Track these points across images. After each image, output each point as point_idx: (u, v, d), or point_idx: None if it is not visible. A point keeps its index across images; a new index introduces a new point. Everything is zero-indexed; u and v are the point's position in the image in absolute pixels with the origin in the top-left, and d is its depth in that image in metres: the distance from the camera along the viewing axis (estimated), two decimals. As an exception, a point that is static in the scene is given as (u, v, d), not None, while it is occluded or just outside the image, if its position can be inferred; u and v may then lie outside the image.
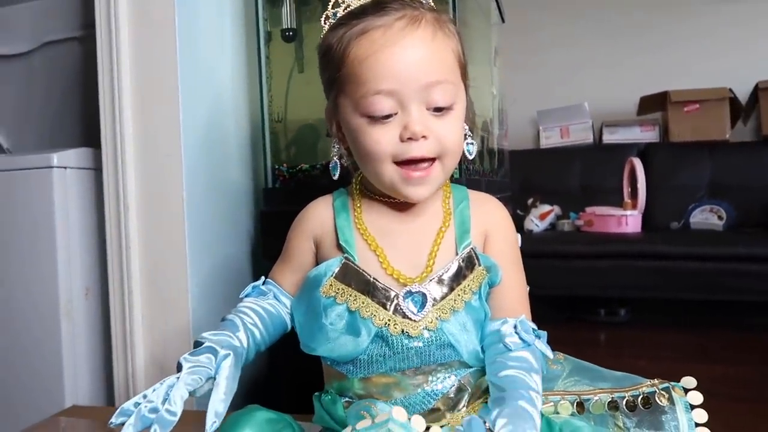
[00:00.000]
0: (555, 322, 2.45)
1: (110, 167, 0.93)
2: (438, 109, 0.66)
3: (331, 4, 0.71)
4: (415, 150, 0.65)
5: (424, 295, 0.67)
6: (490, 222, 0.74)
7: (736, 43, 2.94)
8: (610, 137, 3.05)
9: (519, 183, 2.93)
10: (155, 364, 0.94)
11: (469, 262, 0.70)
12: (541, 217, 2.80)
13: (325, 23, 0.71)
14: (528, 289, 0.76)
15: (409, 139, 0.65)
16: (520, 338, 0.66)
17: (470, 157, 0.72)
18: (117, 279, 0.93)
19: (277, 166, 1.04)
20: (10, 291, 1.04)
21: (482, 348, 0.69)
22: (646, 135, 3.00)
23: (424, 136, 0.65)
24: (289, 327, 0.75)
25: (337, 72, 0.67)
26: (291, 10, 1.01)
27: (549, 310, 2.56)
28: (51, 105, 1.36)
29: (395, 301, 0.67)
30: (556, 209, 2.86)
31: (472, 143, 0.72)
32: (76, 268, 1.04)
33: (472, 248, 0.71)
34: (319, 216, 0.75)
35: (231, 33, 1.05)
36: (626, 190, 2.72)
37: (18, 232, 1.03)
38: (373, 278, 0.68)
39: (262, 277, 0.78)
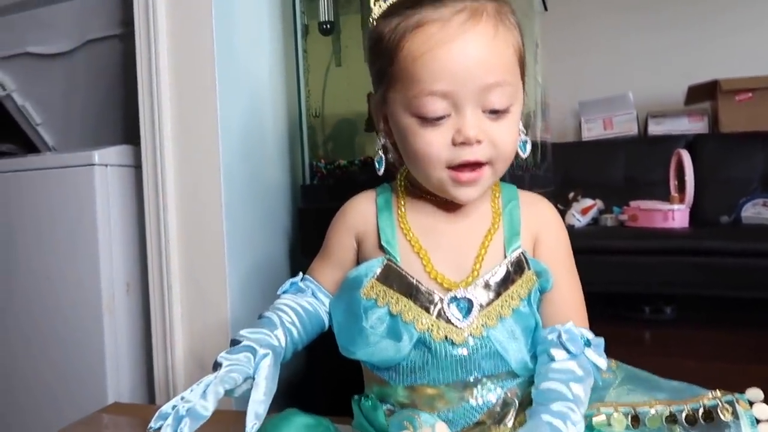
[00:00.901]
0: (597, 319, 2.34)
1: (149, 164, 0.93)
2: (494, 112, 0.62)
3: None
4: (468, 154, 0.62)
5: (470, 301, 0.64)
6: (541, 224, 0.70)
7: (792, 28, 2.80)
8: (655, 128, 2.94)
9: (560, 176, 2.85)
10: (194, 361, 0.94)
11: (518, 267, 0.67)
12: (582, 212, 2.72)
13: (374, 4, 0.68)
14: (583, 295, 0.72)
15: (462, 143, 0.62)
16: (564, 348, 0.63)
17: (524, 156, 0.68)
18: (156, 275, 0.94)
19: (314, 162, 1.02)
20: (54, 287, 1.06)
21: (532, 357, 0.65)
22: (695, 126, 2.88)
23: (478, 141, 0.62)
24: (327, 326, 0.74)
25: (388, 66, 0.64)
26: (328, 2, 0.99)
27: (591, 307, 2.44)
28: (95, 103, 1.37)
29: (439, 306, 0.64)
30: (599, 203, 2.76)
31: (526, 140, 0.68)
32: (118, 264, 1.05)
33: (521, 252, 0.67)
34: (361, 212, 0.73)
35: (268, 27, 1.03)
36: (673, 183, 2.61)
37: (60, 229, 1.05)
38: (416, 281, 0.65)
39: (300, 273, 0.77)
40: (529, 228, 0.69)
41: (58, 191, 1.05)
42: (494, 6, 0.63)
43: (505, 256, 0.67)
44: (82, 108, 1.40)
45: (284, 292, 0.74)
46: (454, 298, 0.64)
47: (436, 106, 0.61)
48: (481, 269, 0.66)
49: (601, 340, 0.66)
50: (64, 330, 1.06)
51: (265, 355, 0.61)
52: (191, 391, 0.57)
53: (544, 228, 0.70)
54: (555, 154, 2.64)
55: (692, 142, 2.77)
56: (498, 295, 0.65)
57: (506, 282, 0.65)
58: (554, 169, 2.64)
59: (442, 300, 0.64)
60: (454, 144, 0.62)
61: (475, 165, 0.63)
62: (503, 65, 0.62)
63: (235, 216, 0.93)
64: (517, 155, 0.68)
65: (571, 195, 2.80)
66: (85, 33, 1.26)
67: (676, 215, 2.49)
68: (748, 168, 2.68)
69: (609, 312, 2.49)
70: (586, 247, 2.43)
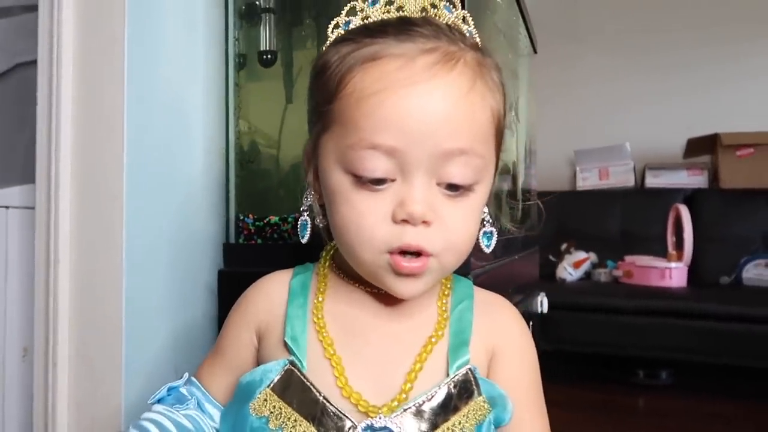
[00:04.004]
0: (587, 382, 2.27)
1: (42, 206, 0.77)
2: (453, 187, 0.48)
3: (345, 10, 0.54)
4: (410, 236, 0.47)
5: None
6: (501, 333, 0.55)
7: (796, 83, 2.73)
8: (653, 181, 2.84)
9: (553, 227, 2.74)
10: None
11: (465, 389, 0.51)
12: (575, 265, 2.61)
13: (332, 32, 0.54)
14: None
15: (404, 221, 0.47)
16: None
17: (487, 251, 0.54)
18: (41, 345, 0.77)
19: (241, 217, 0.87)
20: (-67, 349, 0.90)
21: None
22: (694, 180, 2.79)
23: (425, 221, 0.47)
24: None
25: (326, 103, 0.50)
26: (270, 29, 0.86)
27: (579, 369, 2.38)
28: (29, 132, 1.23)
29: None
30: (592, 257, 2.66)
31: (490, 232, 0.54)
32: (13, 323, 0.88)
33: (469, 369, 0.51)
34: (267, 298, 0.57)
35: (204, 58, 0.89)
36: (670, 239, 2.51)
37: (-54, 280, 0.89)
38: (324, 398, 0.49)
39: (186, 375, 0.59)
40: (483, 338, 0.54)
41: (-53, 235, 0.90)
42: (476, 56, 0.50)
43: (448, 374, 0.51)
44: (20, 139, 1.26)
45: (159, 401, 0.57)
46: (370, 428, 0.48)
47: (376, 164, 0.47)
48: (412, 391, 0.50)
49: None
50: (-59, 400, 0.89)
51: None
52: None
53: (504, 339, 0.55)
54: (548, 203, 2.52)
55: (691, 197, 2.68)
56: (434, 427, 0.48)
57: (446, 410, 0.49)
58: (546, 218, 2.52)
59: (354, 429, 0.48)
60: (395, 220, 0.48)
61: (417, 253, 0.48)
62: (474, 130, 0.48)
63: (140, 276, 0.77)
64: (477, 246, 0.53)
65: (564, 246, 2.69)
66: (14, 55, 1.13)
67: (674, 274, 2.40)
68: (750, 226, 2.58)
69: (600, 375, 2.35)
70: (578, 304, 2.33)
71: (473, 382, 0.51)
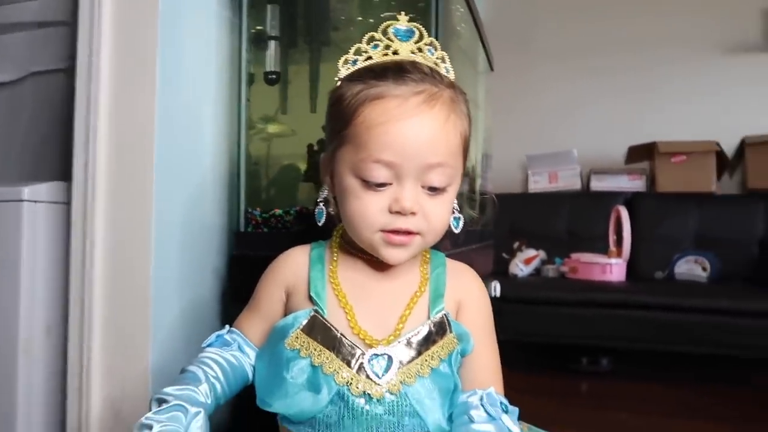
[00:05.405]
0: (535, 369, 2.43)
1: (78, 200, 0.91)
2: (432, 189, 0.67)
3: (353, 49, 0.71)
4: (402, 223, 0.66)
5: (389, 358, 0.66)
6: (465, 292, 0.74)
7: (725, 98, 2.98)
8: (597, 184, 3.05)
9: (506, 226, 2.93)
10: (111, 410, 0.90)
11: (440, 328, 0.69)
12: (526, 262, 2.78)
13: (342, 66, 0.71)
14: (500, 362, 0.74)
15: (398, 212, 0.65)
16: (485, 411, 0.65)
17: (456, 231, 0.72)
18: (77, 316, 0.90)
19: (250, 210, 1.02)
20: (-31, 325, 1.01)
21: (448, 420, 0.67)
22: (634, 184, 3.01)
23: (413, 212, 0.65)
24: (251, 379, 0.73)
25: (343, 128, 0.67)
26: (275, 53, 1.02)
27: (530, 357, 2.55)
28: (37, 136, 1.33)
29: (360, 360, 0.65)
30: (542, 254, 2.84)
31: (459, 217, 0.72)
32: (40, 305, 1.00)
33: (444, 314, 0.70)
34: (293, 264, 0.74)
35: (215, 74, 1.04)
36: (612, 238, 2.70)
37: (-19, 265, 1.01)
38: (341, 334, 0.67)
39: (227, 326, 0.76)
40: (453, 293, 0.72)
41: (-18, 225, 1.01)
42: (451, 94, 0.68)
43: (429, 317, 0.69)
44: (23, 140, 1.36)
45: (209, 345, 0.73)
46: (375, 355, 0.66)
47: (379, 173, 0.65)
48: (403, 329, 0.68)
49: (516, 409, 0.68)
50: (-25, 370, 1.00)
51: (196, 414, 0.60)
52: None
53: (467, 295, 0.74)
54: (502, 204, 2.70)
55: (631, 199, 2.88)
56: (419, 354, 0.67)
57: (428, 342, 0.67)
58: (501, 218, 2.71)
59: (363, 355, 0.66)
60: (390, 211, 0.66)
61: (407, 232, 0.66)
62: (448, 149, 0.66)
63: (165, 259, 0.92)
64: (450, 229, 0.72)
65: (516, 245, 2.87)
66: (29, 65, 1.24)
67: (614, 269, 2.57)
68: (682, 226, 2.80)
69: (547, 362, 2.53)
70: (527, 298, 2.48)
71: (447, 323, 0.70)
